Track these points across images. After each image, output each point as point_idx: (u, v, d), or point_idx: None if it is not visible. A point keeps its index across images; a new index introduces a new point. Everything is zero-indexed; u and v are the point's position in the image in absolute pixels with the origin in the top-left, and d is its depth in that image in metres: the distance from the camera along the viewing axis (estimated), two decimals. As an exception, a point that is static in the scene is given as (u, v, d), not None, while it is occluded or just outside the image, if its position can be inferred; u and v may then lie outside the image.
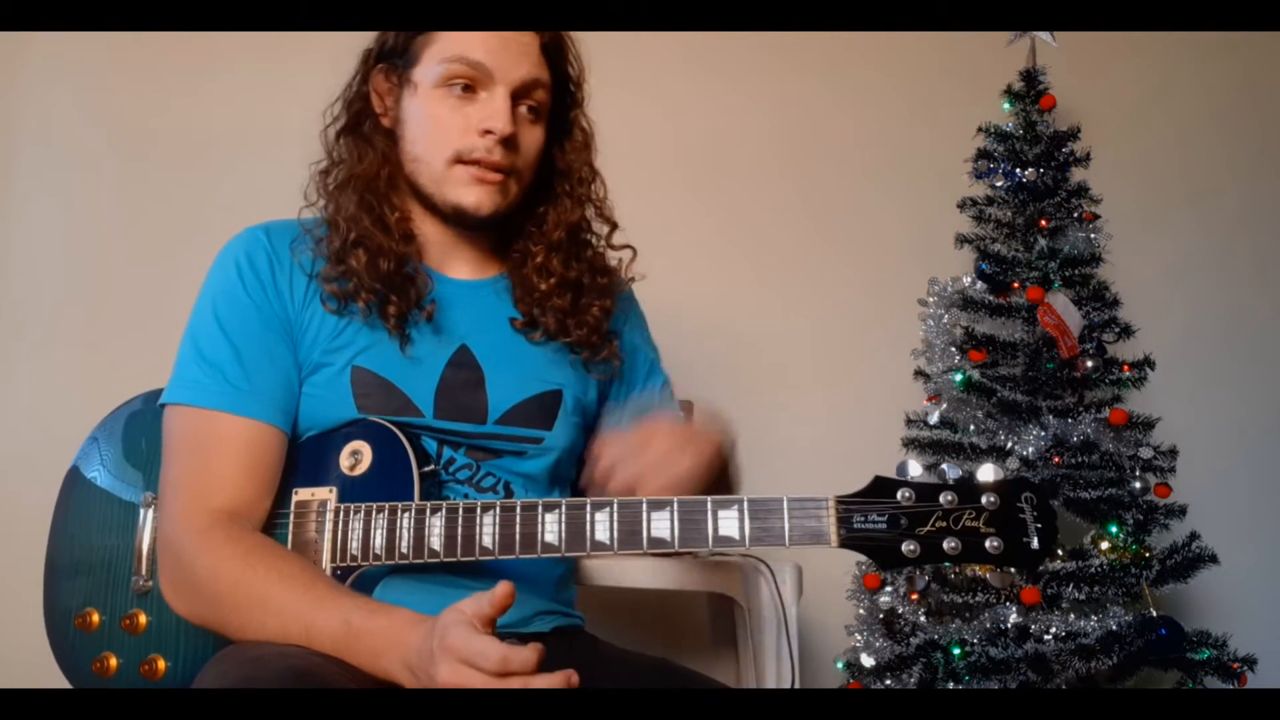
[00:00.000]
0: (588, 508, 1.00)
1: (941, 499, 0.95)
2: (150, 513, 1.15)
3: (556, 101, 1.21)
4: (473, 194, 1.13)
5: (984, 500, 0.94)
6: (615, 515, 0.99)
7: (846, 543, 0.95)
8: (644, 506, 0.99)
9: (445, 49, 1.12)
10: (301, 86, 2.20)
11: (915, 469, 0.98)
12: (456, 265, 1.22)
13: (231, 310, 1.10)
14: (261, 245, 1.14)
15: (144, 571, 1.14)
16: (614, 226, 1.29)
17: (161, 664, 1.10)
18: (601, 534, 0.99)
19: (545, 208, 1.22)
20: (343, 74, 1.22)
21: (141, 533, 1.15)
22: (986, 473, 0.96)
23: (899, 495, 0.95)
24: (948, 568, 1.80)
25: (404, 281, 1.13)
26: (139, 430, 1.20)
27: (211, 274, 1.14)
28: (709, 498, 0.98)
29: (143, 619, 1.11)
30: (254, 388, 1.08)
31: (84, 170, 2.22)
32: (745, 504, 0.97)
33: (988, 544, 0.93)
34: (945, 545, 0.94)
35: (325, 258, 1.13)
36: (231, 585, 0.99)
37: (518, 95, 1.13)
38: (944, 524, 0.94)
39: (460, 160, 1.12)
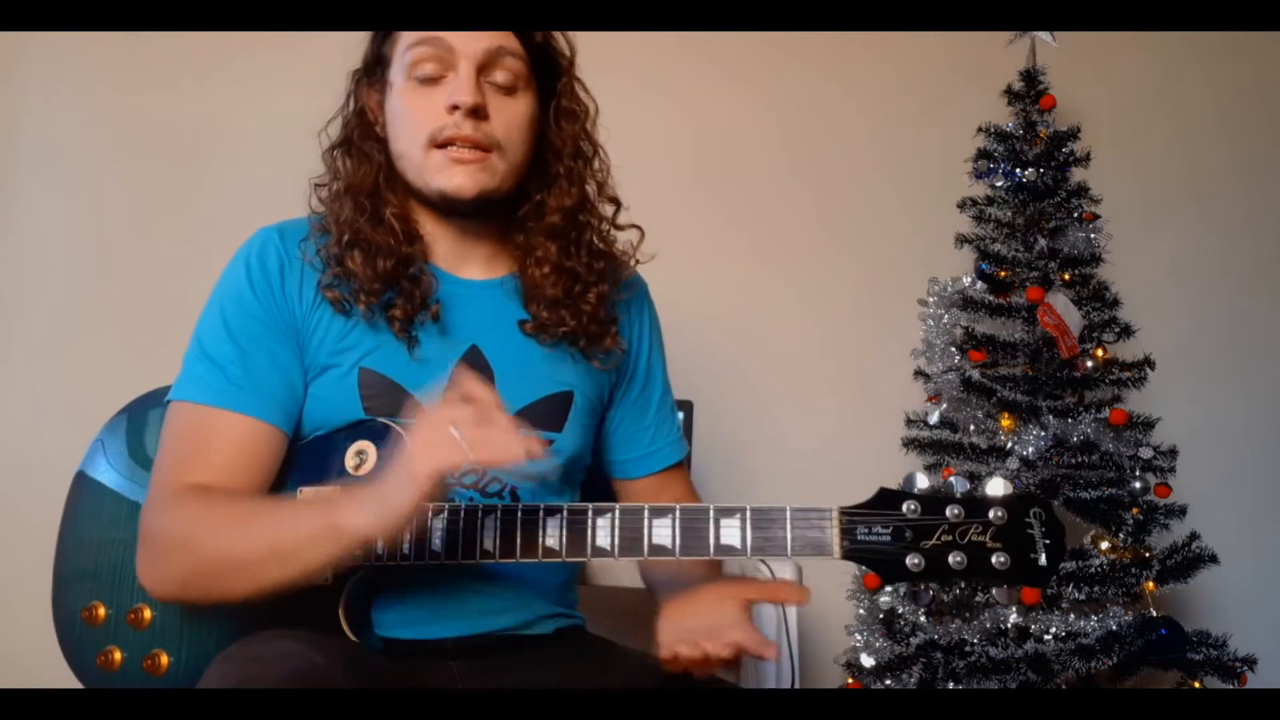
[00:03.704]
0: (589, 513, 1.00)
1: (948, 512, 0.92)
2: None
3: (542, 75, 1.17)
4: (453, 177, 1.10)
5: (991, 515, 0.92)
6: (617, 521, 0.99)
7: (849, 554, 0.93)
8: (645, 513, 0.99)
9: (408, 38, 1.12)
10: (301, 85, 2.21)
11: (922, 481, 0.95)
12: (466, 265, 1.20)
13: (238, 311, 1.10)
14: (274, 246, 1.14)
15: (149, 566, 1.14)
16: (618, 206, 1.25)
17: (164, 659, 1.11)
18: (602, 540, 0.99)
19: (542, 194, 1.19)
20: (341, 74, 1.22)
21: None
22: (995, 487, 0.93)
23: (904, 507, 0.93)
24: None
25: (408, 282, 1.12)
26: (145, 427, 1.20)
27: (224, 274, 1.14)
28: (711, 505, 0.98)
29: (147, 614, 1.12)
30: (255, 386, 1.08)
31: (84, 171, 2.22)
32: (748, 513, 0.96)
33: (994, 560, 0.91)
34: (950, 560, 0.91)
35: (326, 264, 1.13)
36: (198, 524, 1.00)
37: (485, 68, 1.11)
38: (950, 538, 0.91)
39: (435, 144, 1.10)
